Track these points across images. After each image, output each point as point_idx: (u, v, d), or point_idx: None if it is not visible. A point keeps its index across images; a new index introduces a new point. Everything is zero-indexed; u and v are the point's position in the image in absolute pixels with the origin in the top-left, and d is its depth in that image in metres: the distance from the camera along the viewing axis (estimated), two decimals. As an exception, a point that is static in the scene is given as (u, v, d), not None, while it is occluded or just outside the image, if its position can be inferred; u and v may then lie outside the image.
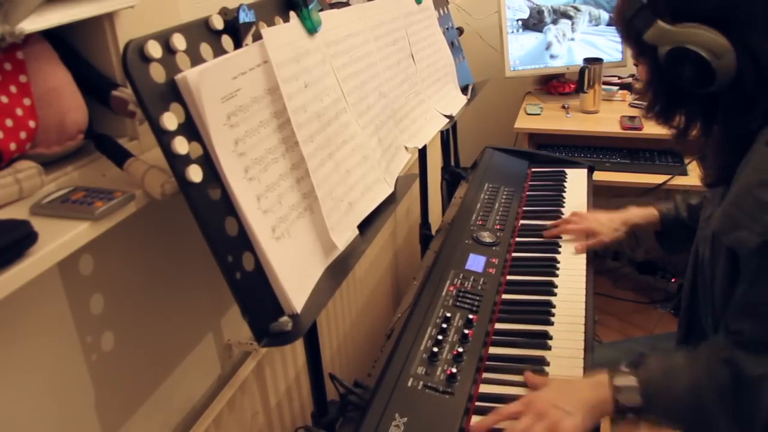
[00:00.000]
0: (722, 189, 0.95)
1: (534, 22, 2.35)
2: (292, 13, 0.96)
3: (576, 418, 0.88)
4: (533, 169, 1.72)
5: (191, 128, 0.73)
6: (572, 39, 2.37)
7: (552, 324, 1.11)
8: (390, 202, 1.09)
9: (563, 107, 2.32)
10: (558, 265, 1.28)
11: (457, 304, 1.13)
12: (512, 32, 2.34)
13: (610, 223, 1.37)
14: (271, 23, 0.92)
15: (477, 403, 0.94)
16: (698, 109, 0.93)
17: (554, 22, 2.35)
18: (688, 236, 1.14)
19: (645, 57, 0.93)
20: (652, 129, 2.09)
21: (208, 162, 0.74)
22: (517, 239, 1.38)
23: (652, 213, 1.36)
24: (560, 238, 1.38)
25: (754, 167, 0.86)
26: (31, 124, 0.76)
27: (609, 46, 2.36)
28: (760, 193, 0.82)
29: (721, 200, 0.94)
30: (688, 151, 2.11)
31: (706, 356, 0.90)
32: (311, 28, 0.96)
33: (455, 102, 1.61)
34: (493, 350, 1.06)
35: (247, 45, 0.84)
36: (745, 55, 0.83)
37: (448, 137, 1.93)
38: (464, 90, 1.71)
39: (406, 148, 1.26)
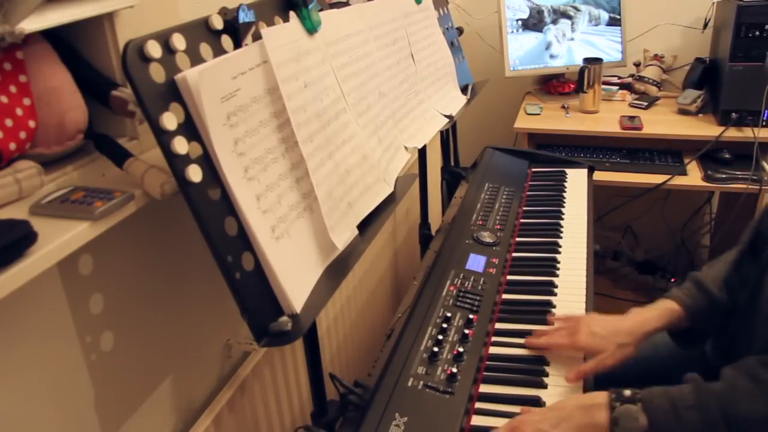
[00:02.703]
0: None
1: (534, 22, 2.35)
2: (291, 13, 0.96)
3: None
4: (533, 169, 1.72)
5: (191, 128, 0.73)
6: (572, 39, 2.37)
7: (552, 324, 1.11)
8: (390, 202, 1.09)
9: (563, 107, 2.32)
10: (558, 265, 1.28)
11: (458, 303, 1.13)
12: (512, 32, 2.34)
13: (614, 336, 1.01)
14: (270, 23, 0.92)
15: (477, 403, 0.94)
16: None
17: (554, 22, 2.36)
18: (720, 318, 0.98)
19: None
20: (652, 129, 2.09)
21: (207, 162, 0.74)
22: (518, 239, 1.38)
23: (670, 310, 1.04)
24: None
25: None
26: (31, 123, 0.76)
27: (609, 46, 2.36)
28: None
29: None
30: (686, 150, 2.11)
31: (730, 375, 0.81)
32: (311, 28, 0.96)
33: (455, 102, 1.61)
34: (493, 350, 1.06)
35: (246, 45, 0.84)
36: None
37: (448, 137, 1.93)
38: (464, 90, 1.71)
39: (405, 148, 1.26)
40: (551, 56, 2.37)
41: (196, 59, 0.77)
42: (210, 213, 0.74)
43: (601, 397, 0.86)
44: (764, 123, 1.98)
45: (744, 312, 1.02)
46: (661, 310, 1.05)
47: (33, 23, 0.70)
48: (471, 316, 1.09)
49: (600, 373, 0.99)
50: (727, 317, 1.04)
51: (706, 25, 2.31)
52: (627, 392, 0.85)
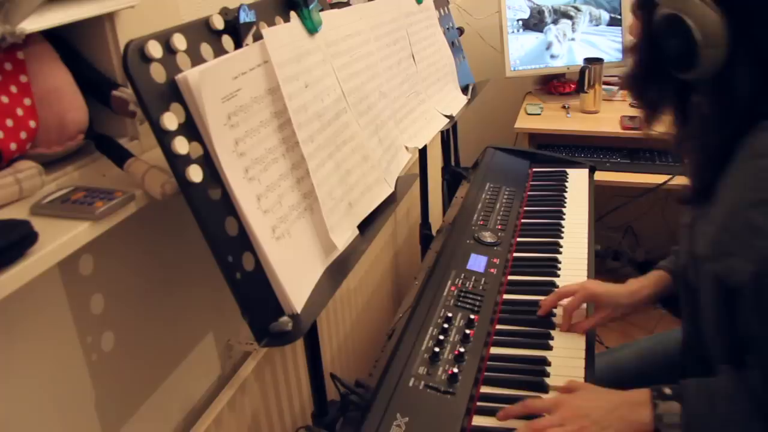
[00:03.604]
0: (703, 207, 0.85)
1: (534, 22, 2.35)
2: (292, 13, 0.96)
3: None
4: (534, 169, 1.72)
5: (191, 128, 0.73)
6: (573, 39, 2.37)
7: (553, 324, 1.11)
8: (390, 202, 1.09)
9: (563, 107, 2.32)
10: (559, 265, 1.28)
11: (459, 304, 1.13)
12: (513, 32, 2.34)
13: (616, 297, 1.12)
14: (271, 23, 0.92)
15: (478, 403, 0.94)
16: (673, 92, 0.84)
17: (555, 22, 2.35)
18: None
19: (642, 12, 0.83)
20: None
21: (208, 162, 0.74)
22: (519, 239, 1.38)
23: (659, 276, 1.13)
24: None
25: (744, 184, 0.75)
26: (32, 124, 0.76)
27: (609, 46, 2.36)
28: (754, 216, 0.72)
29: (700, 220, 0.84)
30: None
31: (747, 396, 0.80)
32: (312, 28, 0.96)
33: (455, 102, 1.61)
34: (494, 350, 1.06)
35: (247, 45, 0.84)
36: (744, 56, 0.72)
37: (449, 137, 1.93)
38: (464, 90, 1.71)
39: (406, 148, 1.26)
40: (552, 56, 2.37)
41: (196, 59, 0.77)
42: (210, 213, 0.73)
43: (643, 395, 0.86)
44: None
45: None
46: (653, 278, 1.14)
47: (33, 23, 0.70)
48: (472, 317, 1.09)
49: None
50: None
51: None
52: (667, 389, 0.85)
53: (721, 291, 0.82)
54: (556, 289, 1.15)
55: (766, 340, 0.77)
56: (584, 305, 1.13)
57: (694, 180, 0.89)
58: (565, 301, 1.12)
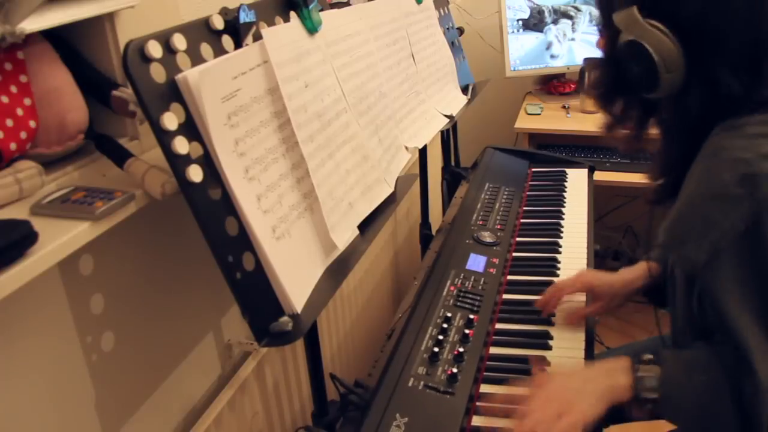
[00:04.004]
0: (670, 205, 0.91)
1: (534, 22, 2.35)
2: (292, 13, 0.96)
3: (589, 400, 0.85)
4: (534, 169, 1.72)
5: (191, 128, 0.73)
6: (573, 39, 2.37)
7: (553, 324, 1.11)
8: (390, 202, 1.09)
9: (564, 107, 2.32)
10: (559, 265, 1.28)
11: (458, 304, 1.13)
12: (512, 32, 2.34)
13: (609, 288, 1.15)
14: (271, 23, 0.92)
15: (478, 403, 0.94)
16: (638, 106, 0.91)
17: (555, 22, 2.35)
18: None
19: (607, 32, 0.91)
20: (652, 129, 2.09)
21: (208, 162, 0.74)
22: (518, 239, 1.38)
23: (647, 268, 1.16)
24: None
25: (699, 180, 0.81)
26: (32, 124, 0.76)
27: (609, 46, 2.35)
28: (707, 208, 0.78)
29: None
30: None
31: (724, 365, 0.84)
32: (311, 28, 0.96)
33: (455, 102, 1.61)
34: (493, 350, 1.06)
35: (247, 45, 0.84)
36: (697, 79, 0.80)
37: (449, 137, 1.93)
38: (464, 90, 1.71)
39: (406, 148, 1.26)
40: (552, 56, 2.37)
41: (196, 59, 0.77)
42: (211, 213, 0.74)
43: (623, 361, 0.89)
44: (765, 123, 1.97)
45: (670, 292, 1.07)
46: (642, 270, 1.16)
47: (33, 23, 0.70)
48: (471, 316, 1.09)
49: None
50: None
51: (706, 25, 2.30)
52: (646, 356, 0.88)
53: (686, 278, 0.88)
54: (550, 286, 1.16)
55: (729, 324, 0.80)
56: (583, 297, 1.15)
57: (659, 180, 0.95)
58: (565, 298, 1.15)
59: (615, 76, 0.92)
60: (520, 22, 2.34)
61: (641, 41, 0.82)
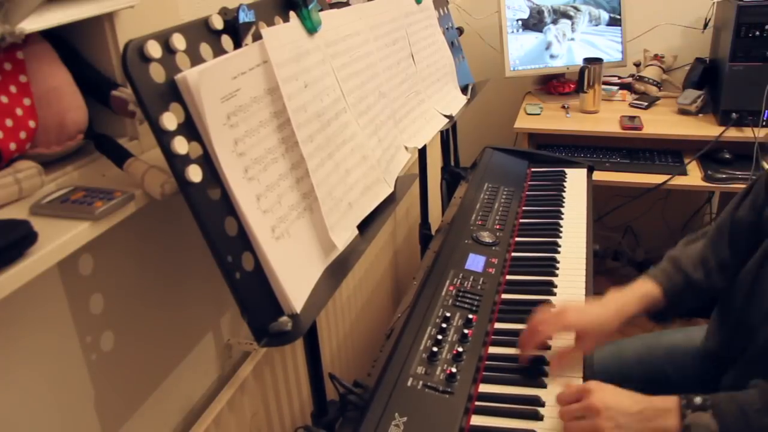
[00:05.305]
0: None
1: (534, 22, 2.35)
2: (292, 13, 0.96)
3: None
4: (533, 169, 1.72)
5: (191, 128, 0.73)
6: (572, 39, 2.37)
7: (552, 324, 1.11)
8: (390, 202, 1.09)
9: (563, 107, 2.32)
10: (558, 265, 1.28)
11: (457, 303, 1.13)
12: (512, 32, 2.34)
13: (598, 326, 1.03)
14: (270, 23, 0.92)
15: (477, 403, 0.95)
16: None
17: (554, 22, 2.36)
18: (698, 298, 1.03)
19: None
20: (652, 129, 2.09)
21: (207, 162, 0.74)
22: (517, 239, 1.38)
23: (648, 295, 1.06)
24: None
25: None
26: (31, 124, 0.76)
27: (609, 46, 2.36)
28: None
29: None
30: (686, 150, 2.11)
31: None
32: (311, 28, 0.96)
33: (455, 102, 1.61)
34: (492, 350, 1.06)
35: (246, 45, 0.85)
36: None
37: (448, 137, 1.93)
38: (464, 90, 1.71)
39: (405, 148, 1.26)
40: (551, 56, 2.37)
41: (196, 59, 0.77)
42: (210, 213, 0.74)
43: (671, 402, 0.86)
44: (764, 123, 1.98)
45: (743, 303, 1.02)
46: (640, 295, 1.06)
47: (33, 23, 0.70)
48: (470, 316, 1.09)
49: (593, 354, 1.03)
50: (712, 300, 1.06)
51: (706, 25, 2.31)
52: (697, 399, 0.85)
53: None
54: (528, 325, 1.03)
55: None
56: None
57: None
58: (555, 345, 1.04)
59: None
60: (520, 22, 2.34)
61: None
